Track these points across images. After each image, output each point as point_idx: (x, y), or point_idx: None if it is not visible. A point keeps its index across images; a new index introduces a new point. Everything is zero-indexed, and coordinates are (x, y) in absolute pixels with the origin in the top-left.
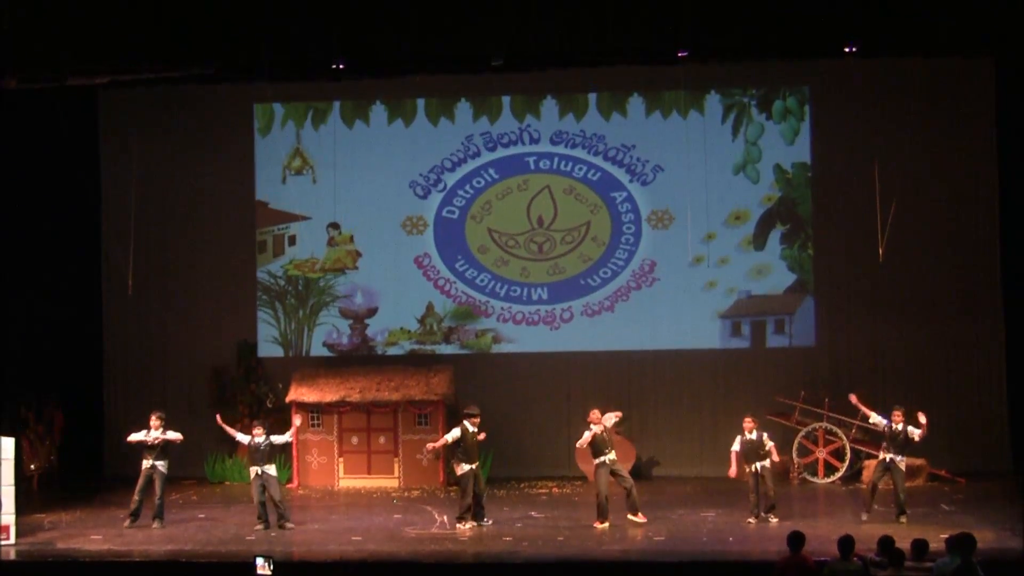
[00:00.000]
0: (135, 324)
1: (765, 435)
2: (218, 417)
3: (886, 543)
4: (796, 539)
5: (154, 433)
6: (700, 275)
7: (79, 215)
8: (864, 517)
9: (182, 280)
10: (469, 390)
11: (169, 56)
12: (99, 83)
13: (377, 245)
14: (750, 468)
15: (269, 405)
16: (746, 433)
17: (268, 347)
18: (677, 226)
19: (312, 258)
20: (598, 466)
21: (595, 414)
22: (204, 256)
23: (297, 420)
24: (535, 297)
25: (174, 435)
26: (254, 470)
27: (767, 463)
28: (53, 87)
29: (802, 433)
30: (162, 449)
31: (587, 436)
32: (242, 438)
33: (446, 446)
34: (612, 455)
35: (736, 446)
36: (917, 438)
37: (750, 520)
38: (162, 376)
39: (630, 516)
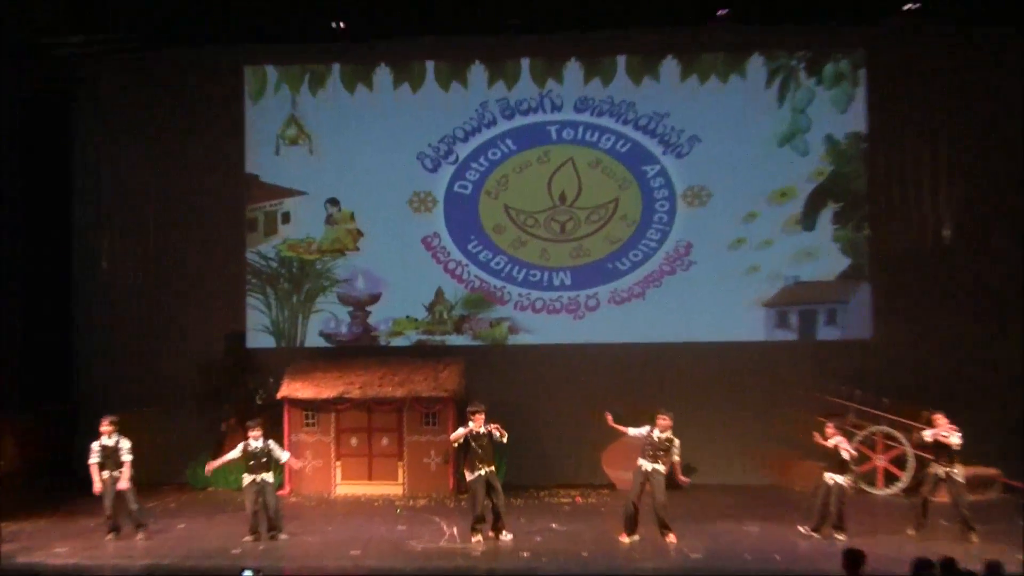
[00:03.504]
0: (109, 311)
1: (846, 443)
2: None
3: (948, 566)
4: (853, 558)
5: (107, 441)
6: (741, 259)
7: (49, 190)
8: (910, 532)
9: (163, 263)
10: (482, 386)
11: (150, 14)
12: (73, 44)
13: (381, 224)
14: (823, 478)
15: (259, 401)
16: (827, 439)
17: (258, 337)
18: (716, 204)
19: (308, 238)
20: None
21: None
22: (187, 236)
23: (295, 463)
24: (557, 282)
25: (126, 455)
26: (250, 478)
27: (846, 478)
28: (24, 48)
29: (858, 438)
30: (119, 456)
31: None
32: (234, 455)
33: (458, 448)
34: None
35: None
36: (929, 438)
37: (804, 530)
38: (140, 369)
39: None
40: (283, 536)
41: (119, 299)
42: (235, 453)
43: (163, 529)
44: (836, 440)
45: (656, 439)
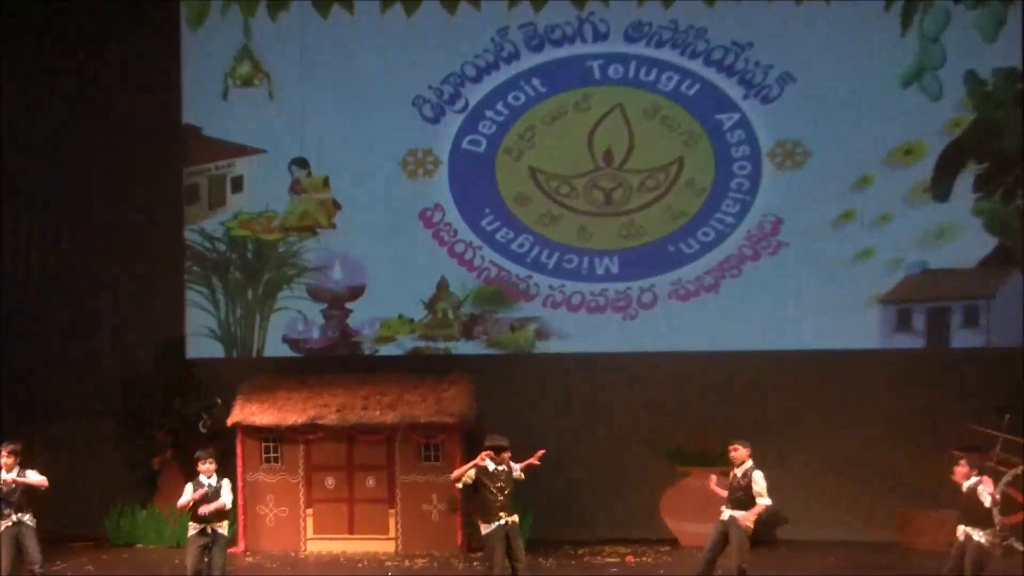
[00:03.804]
0: (2, 309)
1: (984, 485)
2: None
3: None
4: None
5: (7, 475)
6: (849, 239)
7: None
8: None
9: (74, 245)
10: (499, 409)
11: None
12: None
13: (365, 193)
14: (957, 532)
15: (203, 430)
16: (961, 478)
17: (202, 344)
18: (814, 165)
19: (268, 212)
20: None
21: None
22: (107, 209)
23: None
24: (600, 271)
25: (37, 478)
26: (197, 528)
27: (988, 533)
28: None
29: (1007, 479)
30: (24, 496)
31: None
32: (187, 494)
33: (464, 491)
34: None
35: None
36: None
37: None
38: (44, 386)
39: None
40: None
41: (15, 294)
42: (187, 496)
43: None
44: (974, 482)
45: (735, 478)
